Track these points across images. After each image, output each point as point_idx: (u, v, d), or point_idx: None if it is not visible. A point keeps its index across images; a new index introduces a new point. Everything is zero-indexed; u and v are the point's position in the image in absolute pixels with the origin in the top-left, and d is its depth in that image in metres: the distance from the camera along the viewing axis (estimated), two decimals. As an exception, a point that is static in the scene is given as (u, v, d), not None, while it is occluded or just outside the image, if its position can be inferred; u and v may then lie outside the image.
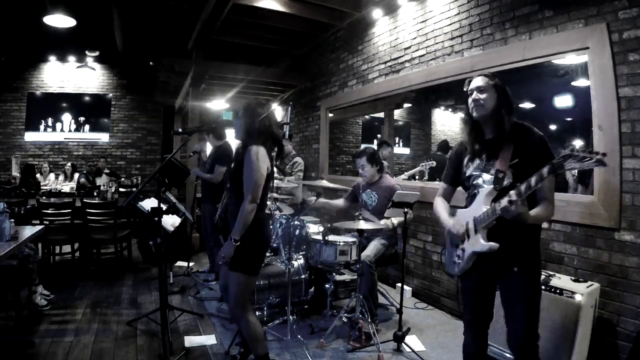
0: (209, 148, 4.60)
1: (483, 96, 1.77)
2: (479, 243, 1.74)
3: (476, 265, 1.81)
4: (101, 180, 6.77)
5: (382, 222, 3.17)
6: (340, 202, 3.76)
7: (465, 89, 1.86)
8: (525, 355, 1.74)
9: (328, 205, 3.69)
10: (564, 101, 3.84)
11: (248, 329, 2.21)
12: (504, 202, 1.59)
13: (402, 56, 4.24)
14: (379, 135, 8.27)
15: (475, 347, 1.91)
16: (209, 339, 2.92)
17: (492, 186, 1.73)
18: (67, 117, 8.46)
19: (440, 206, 2.07)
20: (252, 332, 2.22)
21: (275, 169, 2.39)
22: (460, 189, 2.04)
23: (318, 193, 3.31)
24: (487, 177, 1.79)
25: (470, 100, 1.81)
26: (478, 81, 1.80)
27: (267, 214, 2.36)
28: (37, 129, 8.28)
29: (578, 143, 4.35)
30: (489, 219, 1.70)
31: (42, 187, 6.36)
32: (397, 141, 8.68)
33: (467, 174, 1.88)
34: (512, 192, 1.58)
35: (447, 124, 9.79)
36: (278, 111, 7.83)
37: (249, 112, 2.25)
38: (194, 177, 4.64)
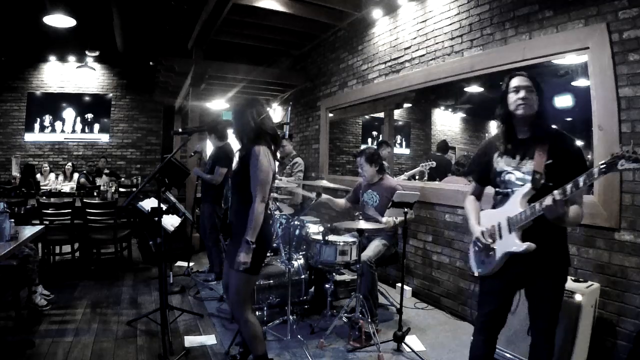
0: (209, 148, 4.60)
1: (531, 96, 1.78)
2: (515, 243, 1.73)
3: (506, 267, 1.81)
4: (101, 180, 6.77)
5: (385, 219, 3.16)
6: (342, 201, 3.76)
7: (503, 86, 1.87)
8: (542, 349, 1.82)
9: (331, 202, 3.68)
10: (564, 101, 3.85)
11: (248, 328, 2.22)
12: (549, 200, 1.59)
13: (402, 56, 4.24)
14: (374, 133, 8.28)
15: (484, 350, 1.92)
16: (209, 339, 2.92)
17: (529, 186, 1.73)
18: (67, 117, 8.47)
19: (470, 207, 2.05)
20: (252, 332, 2.22)
21: (276, 169, 2.40)
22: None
23: (318, 193, 3.31)
24: (519, 175, 1.79)
25: (515, 97, 1.80)
26: (524, 80, 1.80)
27: (268, 214, 2.35)
28: (37, 129, 8.28)
29: (578, 143, 4.35)
30: (526, 220, 1.70)
31: (42, 187, 6.36)
32: (400, 140, 8.68)
33: (497, 170, 1.88)
34: (556, 192, 1.58)
35: (447, 124, 9.81)
36: (278, 111, 7.83)
37: (240, 113, 2.26)
38: (194, 177, 4.64)
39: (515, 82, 1.82)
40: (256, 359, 2.27)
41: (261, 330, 2.29)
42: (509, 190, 1.81)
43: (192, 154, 4.71)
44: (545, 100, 1.82)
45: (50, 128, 8.37)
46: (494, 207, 1.90)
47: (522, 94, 1.78)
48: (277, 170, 2.48)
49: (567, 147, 1.75)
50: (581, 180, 1.52)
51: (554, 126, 1.84)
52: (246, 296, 2.25)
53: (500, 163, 1.87)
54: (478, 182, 2.07)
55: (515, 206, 1.75)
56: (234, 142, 4.32)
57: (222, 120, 5.26)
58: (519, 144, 1.84)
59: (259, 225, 2.11)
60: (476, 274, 1.96)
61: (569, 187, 1.56)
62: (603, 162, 1.46)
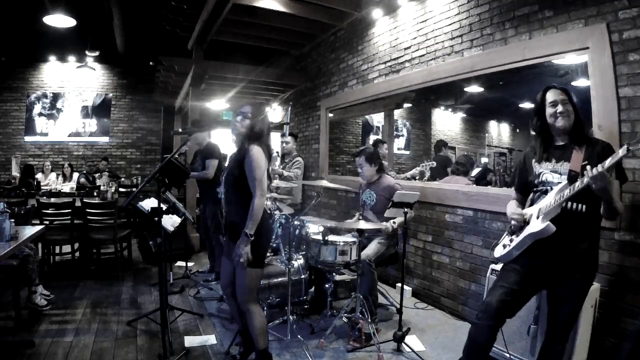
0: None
1: (568, 108, 1.93)
2: (537, 224, 1.85)
3: (530, 258, 1.92)
4: (101, 181, 6.77)
5: (383, 225, 3.15)
6: (357, 216, 3.65)
7: (538, 100, 2.01)
8: (555, 351, 1.90)
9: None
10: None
11: (255, 320, 2.31)
12: (594, 171, 1.64)
13: (402, 56, 4.24)
14: (374, 137, 8.28)
15: (487, 339, 1.96)
16: (209, 339, 2.93)
17: (566, 182, 1.84)
18: (66, 118, 8.46)
19: (511, 204, 2.18)
20: (259, 324, 2.32)
21: (271, 168, 2.52)
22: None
23: (318, 193, 3.31)
24: (556, 176, 1.92)
25: (552, 110, 1.94)
26: (559, 94, 1.94)
27: (266, 210, 2.41)
28: (37, 129, 8.28)
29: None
30: (557, 204, 1.81)
31: (42, 187, 6.36)
32: (405, 133, 8.67)
33: (536, 172, 2.01)
34: (599, 165, 1.64)
35: (447, 124, 9.81)
36: (278, 111, 7.83)
37: (257, 115, 2.34)
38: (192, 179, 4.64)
39: (551, 96, 1.95)
40: (258, 352, 2.33)
41: (266, 324, 2.36)
42: (547, 187, 1.94)
43: (177, 155, 4.64)
44: (580, 109, 1.95)
45: (50, 128, 8.37)
46: (531, 204, 2.03)
47: (560, 107, 1.92)
48: (272, 169, 2.55)
49: (602, 150, 1.85)
50: (620, 152, 1.58)
51: (591, 135, 1.98)
52: (252, 289, 2.33)
53: (538, 167, 2.01)
54: (519, 191, 2.19)
55: (549, 198, 1.88)
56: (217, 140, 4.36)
57: (209, 118, 5.21)
58: (556, 149, 1.98)
59: (258, 219, 2.20)
60: (494, 257, 2.08)
61: (606, 162, 1.63)
62: (627, 143, 1.56)
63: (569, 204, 1.84)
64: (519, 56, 2.92)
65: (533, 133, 2.09)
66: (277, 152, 5.29)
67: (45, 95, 8.31)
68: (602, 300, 2.40)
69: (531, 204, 2.04)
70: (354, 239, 3.10)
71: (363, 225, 2.95)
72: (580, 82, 2.73)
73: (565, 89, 1.95)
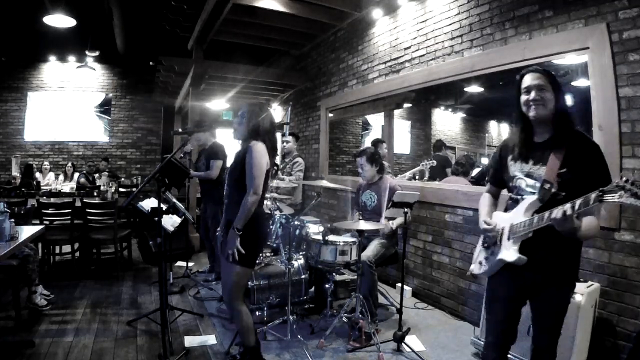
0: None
1: (544, 95, 1.63)
2: (510, 252, 1.68)
3: (511, 277, 1.73)
4: (101, 181, 6.77)
5: (382, 225, 3.15)
6: (356, 216, 3.66)
7: (516, 86, 1.73)
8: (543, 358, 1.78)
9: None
10: (564, 101, 3.83)
11: (241, 320, 2.31)
12: (558, 213, 1.47)
13: (402, 56, 4.24)
14: (377, 137, 8.28)
15: None
16: (209, 339, 2.92)
17: (536, 197, 1.64)
18: (66, 118, 8.46)
19: (483, 202, 1.96)
20: (244, 323, 2.32)
21: (274, 167, 2.48)
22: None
23: (318, 193, 3.31)
24: (530, 182, 1.69)
25: (525, 98, 1.67)
26: (535, 78, 1.65)
27: (264, 211, 2.43)
28: (37, 129, 8.28)
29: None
30: (525, 230, 1.63)
31: (42, 187, 6.36)
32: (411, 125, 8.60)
33: (510, 174, 1.78)
34: (567, 206, 1.45)
35: (447, 124, 9.81)
36: (278, 111, 7.83)
37: (253, 114, 2.35)
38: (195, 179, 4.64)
39: (526, 80, 1.67)
40: (247, 350, 2.35)
41: (252, 322, 2.35)
42: (519, 197, 1.72)
43: (182, 155, 4.66)
44: (563, 95, 1.65)
45: (50, 128, 8.37)
46: (505, 210, 1.83)
47: (533, 94, 1.64)
48: (275, 168, 2.53)
49: (585, 153, 1.58)
50: (592, 197, 1.38)
51: (576, 128, 1.66)
52: (238, 288, 2.32)
53: (513, 167, 1.77)
54: (492, 183, 1.97)
55: (519, 215, 1.67)
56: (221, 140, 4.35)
57: (210, 118, 5.21)
58: (535, 147, 1.70)
59: (248, 215, 2.20)
60: (473, 273, 1.93)
61: (578, 202, 1.42)
62: (601, 189, 1.35)
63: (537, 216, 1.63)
64: (519, 56, 2.92)
65: (511, 127, 1.85)
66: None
67: (45, 95, 8.31)
68: (602, 300, 2.40)
69: (505, 208, 1.84)
70: (354, 239, 3.11)
71: (363, 225, 2.95)
72: (580, 82, 2.73)
73: (546, 72, 1.66)
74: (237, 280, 2.30)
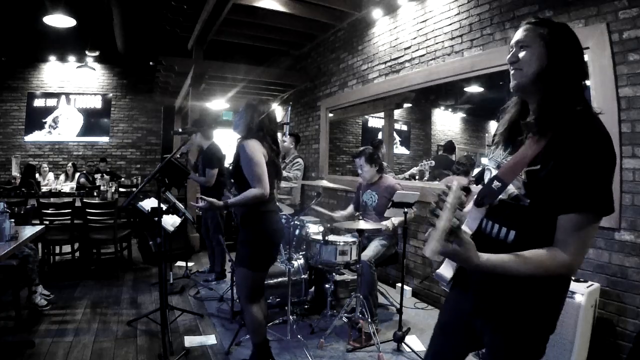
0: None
1: (522, 55, 1.11)
2: (447, 267, 1.31)
3: (457, 298, 1.32)
4: (101, 181, 6.77)
5: (383, 223, 3.16)
6: (349, 209, 3.70)
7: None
8: None
9: (340, 217, 3.58)
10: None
11: (247, 318, 2.35)
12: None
13: (402, 56, 4.24)
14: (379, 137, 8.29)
15: None
16: (209, 339, 2.92)
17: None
18: (67, 117, 8.46)
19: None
20: (250, 321, 2.34)
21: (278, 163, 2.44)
22: None
23: (318, 193, 3.31)
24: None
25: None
26: (520, 32, 1.13)
27: (272, 210, 2.35)
28: (37, 129, 8.28)
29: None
30: None
31: (41, 187, 6.36)
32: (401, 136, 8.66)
33: (483, 164, 1.31)
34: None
35: (447, 124, 9.81)
36: (278, 111, 7.83)
37: (250, 110, 2.33)
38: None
39: (514, 37, 1.16)
40: (254, 346, 2.37)
41: (261, 322, 2.36)
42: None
43: (179, 155, 4.63)
44: (563, 54, 1.07)
45: (50, 128, 8.37)
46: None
47: (509, 55, 1.14)
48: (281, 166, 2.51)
49: (574, 147, 0.99)
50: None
51: (582, 108, 1.07)
52: (250, 291, 2.32)
53: (489, 154, 1.29)
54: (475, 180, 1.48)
55: (466, 224, 1.21)
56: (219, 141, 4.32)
57: (209, 119, 5.17)
58: (520, 130, 1.15)
59: (245, 203, 2.19)
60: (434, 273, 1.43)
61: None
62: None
63: (490, 225, 1.18)
64: (519, 56, 2.91)
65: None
66: None
67: (45, 95, 8.31)
68: (602, 300, 2.40)
69: None
70: (354, 239, 3.11)
71: (363, 225, 2.95)
72: (580, 82, 2.72)
73: (541, 22, 1.11)
74: (244, 283, 2.33)
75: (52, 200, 4.66)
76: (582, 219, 0.98)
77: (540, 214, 1.04)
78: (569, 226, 0.99)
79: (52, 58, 8.24)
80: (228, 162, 5.94)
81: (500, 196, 1.10)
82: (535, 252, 1.01)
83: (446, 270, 1.28)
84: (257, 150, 2.21)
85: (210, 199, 2.25)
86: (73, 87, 8.45)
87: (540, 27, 1.10)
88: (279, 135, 5.47)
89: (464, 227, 1.12)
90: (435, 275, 1.34)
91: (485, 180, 1.20)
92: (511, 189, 1.09)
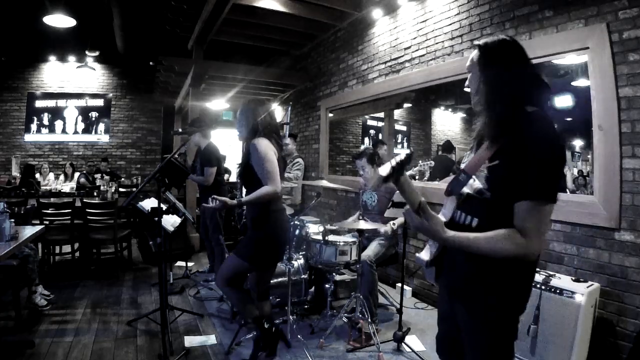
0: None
1: (468, 78, 1.37)
2: (425, 251, 1.43)
3: (443, 292, 1.46)
4: (101, 181, 6.77)
5: (383, 229, 3.13)
6: (357, 215, 3.65)
7: None
8: None
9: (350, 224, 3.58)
10: (564, 101, 3.84)
11: (230, 297, 2.39)
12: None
13: (402, 56, 4.24)
14: (372, 132, 8.30)
15: None
16: (209, 339, 2.92)
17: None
18: (67, 118, 8.47)
19: None
20: (236, 299, 2.38)
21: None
22: None
23: (318, 193, 3.31)
24: (463, 175, 1.32)
25: None
26: (470, 58, 1.34)
27: (281, 209, 2.36)
28: (37, 129, 8.28)
29: (578, 143, 4.35)
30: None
31: (42, 187, 6.36)
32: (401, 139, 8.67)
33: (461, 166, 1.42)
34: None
35: (447, 124, 9.80)
36: (278, 111, 7.83)
37: (248, 112, 2.34)
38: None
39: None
40: (254, 324, 2.39)
41: (246, 297, 2.39)
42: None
43: (177, 155, 4.61)
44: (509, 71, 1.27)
45: (50, 128, 8.38)
46: None
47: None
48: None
49: (523, 140, 1.14)
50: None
51: (533, 110, 1.20)
52: (231, 273, 2.33)
53: (466, 157, 1.47)
54: None
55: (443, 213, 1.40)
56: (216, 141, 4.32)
57: (207, 119, 5.15)
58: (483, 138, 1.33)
59: (257, 201, 2.20)
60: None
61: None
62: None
63: (459, 214, 1.31)
64: (519, 56, 2.91)
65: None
66: None
67: (45, 95, 8.31)
68: (602, 300, 2.40)
69: None
70: (354, 239, 3.11)
71: (363, 225, 2.95)
72: (580, 82, 2.73)
73: (476, 46, 1.34)
74: (229, 269, 2.32)
75: (52, 200, 4.66)
76: (532, 205, 1.14)
77: (499, 204, 1.19)
78: (522, 212, 1.15)
79: (52, 58, 8.24)
80: (228, 162, 5.97)
81: (468, 191, 1.27)
82: (496, 232, 1.16)
83: (425, 254, 1.42)
84: (269, 148, 2.24)
85: (223, 198, 2.23)
86: (73, 87, 8.46)
87: (476, 51, 1.33)
88: None
89: (439, 216, 1.31)
90: (417, 259, 1.45)
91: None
92: (477, 184, 1.24)
